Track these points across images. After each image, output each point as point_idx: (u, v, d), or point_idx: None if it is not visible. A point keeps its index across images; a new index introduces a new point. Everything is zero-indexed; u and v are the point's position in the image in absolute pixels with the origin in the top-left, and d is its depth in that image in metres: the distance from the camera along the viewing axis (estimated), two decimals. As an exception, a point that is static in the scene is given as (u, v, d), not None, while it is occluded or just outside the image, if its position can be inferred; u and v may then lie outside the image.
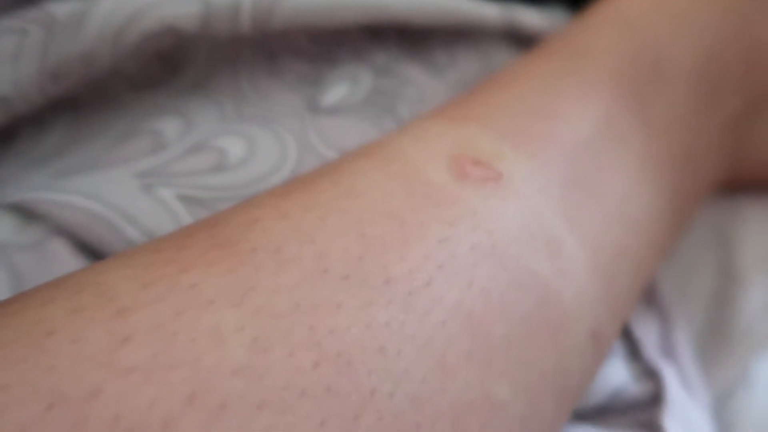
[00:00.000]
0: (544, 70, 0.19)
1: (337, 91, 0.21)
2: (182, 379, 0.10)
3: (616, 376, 0.18)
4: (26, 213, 0.19)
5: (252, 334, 0.11)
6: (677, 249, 0.23)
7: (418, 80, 0.22)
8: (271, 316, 0.12)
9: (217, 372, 0.11)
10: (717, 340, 0.20)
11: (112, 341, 0.11)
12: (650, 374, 0.18)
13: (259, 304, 0.12)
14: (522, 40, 0.25)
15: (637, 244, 0.17)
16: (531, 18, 0.24)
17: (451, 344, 0.13)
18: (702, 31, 0.21)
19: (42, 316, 0.11)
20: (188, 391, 0.10)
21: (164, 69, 0.21)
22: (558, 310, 0.14)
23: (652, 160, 0.19)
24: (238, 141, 0.20)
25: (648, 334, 0.20)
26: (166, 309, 0.11)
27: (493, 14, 0.23)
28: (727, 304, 0.21)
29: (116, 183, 0.19)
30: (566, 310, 0.15)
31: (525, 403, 0.13)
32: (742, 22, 0.22)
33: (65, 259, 0.18)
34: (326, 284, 0.12)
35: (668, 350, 0.20)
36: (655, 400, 0.17)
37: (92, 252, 0.19)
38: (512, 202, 0.15)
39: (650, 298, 0.21)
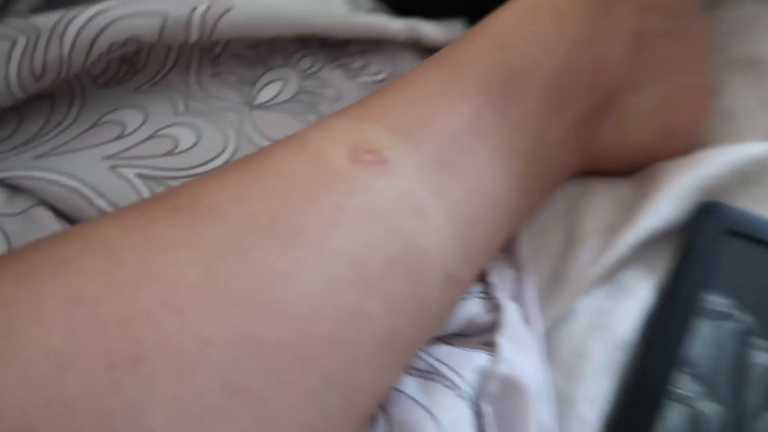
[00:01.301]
0: (430, 77, 0.25)
1: (270, 90, 0.26)
2: (155, 290, 0.16)
3: (471, 309, 0.24)
4: (13, 187, 0.23)
5: (204, 264, 0.17)
6: (536, 217, 0.29)
7: (337, 82, 0.28)
8: (216, 253, 0.17)
9: (179, 287, 0.16)
10: (554, 287, 0.27)
11: (109, 266, 0.16)
12: (496, 308, 0.24)
13: (207, 245, 0.17)
14: (425, 48, 0.30)
15: (491, 212, 0.23)
16: (431, 31, 0.30)
17: (339, 273, 0.18)
18: (556, 47, 0.26)
19: (57, 251, 0.16)
20: (160, 298, 0.16)
21: (127, 70, 0.25)
22: (419, 256, 0.20)
23: (509, 149, 0.25)
24: (187, 131, 0.25)
25: (504, 281, 0.26)
26: (143, 248, 0.16)
27: (398, 28, 0.28)
28: (566, 261, 0.27)
29: (88, 163, 0.24)
30: (425, 257, 0.20)
31: (390, 318, 0.19)
32: (589, 41, 0.27)
33: (48, 225, 0.23)
34: (253, 233, 0.18)
35: (518, 293, 0.26)
36: (496, 326, 0.24)
37: (69, 219, 0.23)
38: (393, 180, 0.21)
39: (510, 254, 0.27)
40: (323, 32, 0.26)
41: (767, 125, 0.32)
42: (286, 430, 0.16)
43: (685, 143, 0.32)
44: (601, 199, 0.30)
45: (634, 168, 0.32)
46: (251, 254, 0.17)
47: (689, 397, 0.24)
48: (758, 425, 0.23)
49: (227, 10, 0.24)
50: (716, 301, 0.26)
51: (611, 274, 0.27)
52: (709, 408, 0.24)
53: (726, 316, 0.25)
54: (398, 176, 0.21)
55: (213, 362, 0.16)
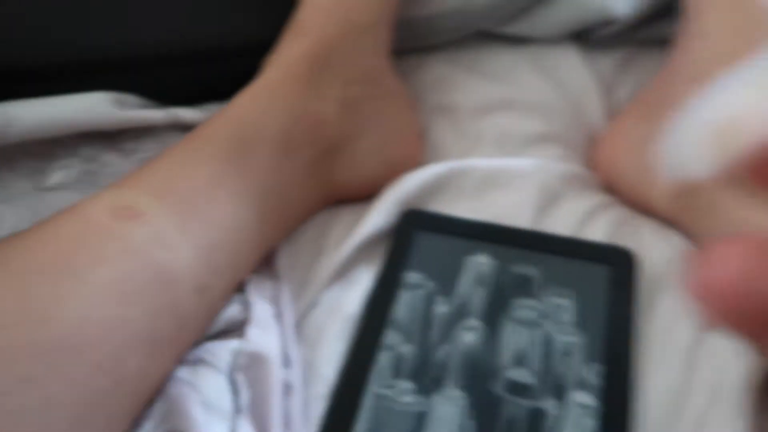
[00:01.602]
0: (180, 149, 0.34)
1: (57, 175, 0.34)
2: None
3: (231, 311, 0.33)
4: None
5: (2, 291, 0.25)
6: (295, 239, 0.39)
7: (114, 162, 0.36)
8: (12, 285, 0.25)
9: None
10: (304, 286, 0.36)
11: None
12: (248, 308, 0.33)
13: (8, 277, 0.26)
14: (190, 127, 0.40)
15: (235, 240, 0.32)
16: (190, 114, 0.39)
17: (104, 294, 0.26)
18: (277, 118, 0.36)
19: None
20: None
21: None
22: (170, 276, 0.29)
23: (249, 194, 0.34)
24: None
25: (261, 288, 0.35)
26: None
27: (159, 116, 0.37)
28: (313, 268, 0.37)
29: None
30: (176, 275, 0.29)
31: (149, 321, 0.27)
32: (304, 110, 0.38)
33: None
34: (35, 270, 0.26)
35: (275, 296, 0.35)
36: (247, 320, 0.32)
37: None
38: (145, 226, 0.29)
39: (270, 267, 0.37)
40: (93, 128, 0.35)
41: (458, 151, 0.44)
42: (66, 405, 0.24)
43: (406, 171, 0.44)
44: (345, 220, 0.40)
45: (372, 193, 0.42)
46: (35, 286, 0.25)
47: (393, 344, 0.34)
48: (438, 354, 0.33)
49: (8, 126, 0.32)
50: (412, 276, 0.36)
51: (344, 271, 0.37)
52: (406, 349, 0.34)
53: (419, 286, 0.36)
54: (149, 223, 0.30)
55: (6, 360, 0.23)
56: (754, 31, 0.37)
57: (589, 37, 0.48)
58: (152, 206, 0.31)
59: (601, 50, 0.48)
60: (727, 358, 0.34)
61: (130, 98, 0.38)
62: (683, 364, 0.34)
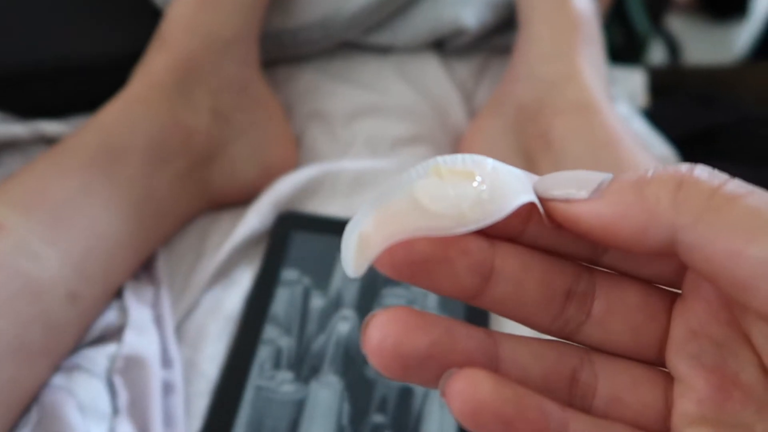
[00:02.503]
0: (45, 161, 0.34)
1: None
2: None
3: (108, 318, 0.33)
4: None
5: None
6: (174, 245, 0.40)
7: (-26, 177, 0.35)
8: None
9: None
10: (185, 289, 0.37)
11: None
12: (125, 313, 0.34)
13: None
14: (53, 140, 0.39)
15: (107, 247, 0.33)
16: (54, 127, 0.39)
17: None
18: (146, 128, 0.37)
19: None
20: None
21: None
22: (39, 285, 0.29)
23: (120, 203, 0.34)
24: None
25: (140, 294, 0.35)
26: None
27: (20, 130, 0.37)
28: (194, 271, 0.38)
29: None
30: (44, 285, 0.29)
31: (17, 331, 0.27)
32: (173, 120, 0.39)
33: None
34: None
35: (155, 301, 0.36)
36: (124, 325, 0.33)
37: None
38: (8, 238, 0.29)
39: (150, 273, 0.37)
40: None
41: (332, 155, 0.47)
42: None
43: (282, 175, 0.45)
44: (225, 224, 0.42)
45: (251, 198, 0.44)
46: None
47: (273, 338, 0.36)
48: (315, 344, 0.36)
49: None
50: (289, 273, 0.38)
51: (224, 272, 0.39)
52: (285, 342, 0.36)
53: (296, 282, 0.38)
54: (14, 234, 0.30)
55: None
56: (572, 33, 0.43)
57: (446, 46, 0.52)
58: (16, 219, 0.31)
59: (459, 59, 0.53)
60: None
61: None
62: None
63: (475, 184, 0.15)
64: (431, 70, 0.51)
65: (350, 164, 0.45)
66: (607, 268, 0.17)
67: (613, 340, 0.16)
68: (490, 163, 0.16)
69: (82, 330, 0.32)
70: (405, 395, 0.34)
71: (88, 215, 0.33)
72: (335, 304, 0.38)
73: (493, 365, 0.15)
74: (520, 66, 0.45)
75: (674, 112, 0.63)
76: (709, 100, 0.71)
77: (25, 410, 0.29)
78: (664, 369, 0.16)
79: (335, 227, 0.41)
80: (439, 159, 0.16)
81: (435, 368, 0.14)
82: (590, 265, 0.17)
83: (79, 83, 0.43)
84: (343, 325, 0.37)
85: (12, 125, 0.36)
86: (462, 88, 0.51)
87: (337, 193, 0.43)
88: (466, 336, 0.15)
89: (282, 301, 0.37)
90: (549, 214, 0.15)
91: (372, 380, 0.35)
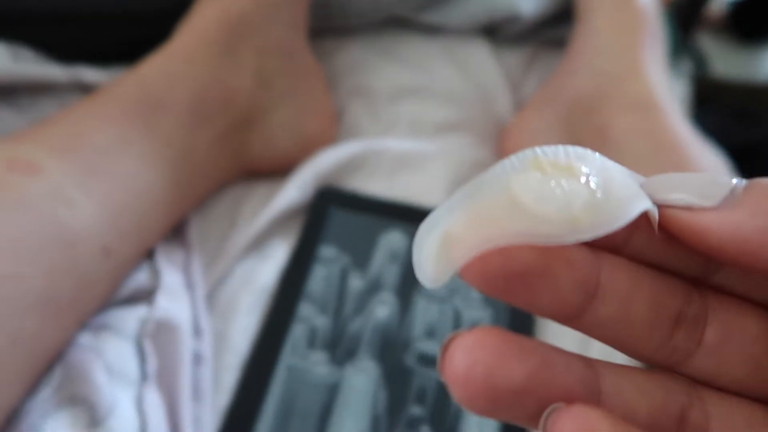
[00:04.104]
0: (82, 108, 0.32)
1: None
2: None
3: (138, 279, 0.31)
4: None
5: None
6: (207, 210, 0.38)
7: (6, 117, 0.33)
8: None
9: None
10: (217, 258, 0.35)
11: None
12: (157, 275, 0.32)
13: None
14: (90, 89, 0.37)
15: (140, 202, 0.31)
16: (94, 75, 0.37)
17: (14, 242, 0.24)
18: (186, 84, 0.35)
19: None
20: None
21: None
22: (72, 234, 0.27)
23: (156, 158, 0.32)
24: None
25: (172, 256, 0.33)
26: None
27: (58, 74, 0.35)
28: (227, 239, 0.36)
29: None
30: (78, 235, 0.27)
31: (45, 280, 0.25)
32: (215, 77, 0.37)
33: None
34: None
35: (186, 266, 0.34)
36: (155, 287, 0.31)
37: None
38: (43, 181, 0.27)
39: (180, 237, 0.35)
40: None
41: (373, 133, 0.45)
42: None
43: (320, 148, 0.43)
44: (260, 194, 0.40)
45: (286, 168, 0.42)
46: None
47: (308, 317, 0.34)
48: (352, 326, 0.34)
49: None
50: (327, 250, 0.36)
51: (258, 244, 0.36)
52: (321, 321, 0.34)
53: (334, 260, 0.36)
54: (49, 178, 0.28)
55: None
56: (636, 28, 0.41)
57: (498, 33, 0.50)
58: (52, 162, 0.28)
59: (509, 48, 0.51)
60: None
61: (26, 52, 0.35)
62: (580, 338, 0.36)
63: (584, 181, 0.13)
64: (480, 56, 0.49)
65: (394, 143, 0.43)
66: (719, 288, 0.14)
67: (727, 373, 0.14)
68: (597, 157, 0.13)
69: (113, 287, 0.30)
70: (445, 389, 0.32)
71: (124, 167, 0.31)
72: (374, 287, 0.35)
73: (595, 400, 0.13)
74: (577, 58, 0.43)
75: (711, 125, 0.61)
76: (747, 116, 0.69)
77: (48, 368, 0.27)
78: None
79: (376, 206, 0.39)
80: (538, 150, 0.13)
81: (531, 404, 0.12)
82: (701, 285, 0.14)
83: (121, 30, 0.40)
84: (381, 309, 0.35)
85: (50, 67, 0.34)
86: (510, 77, 0.49)
87: (379, 172, 0.41)
88: (566, 366, 0.12)
89: (318, 278, 0.35)
90: (663, 224, 0.13)
91: (410, 369, 0.33)
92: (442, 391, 0.32)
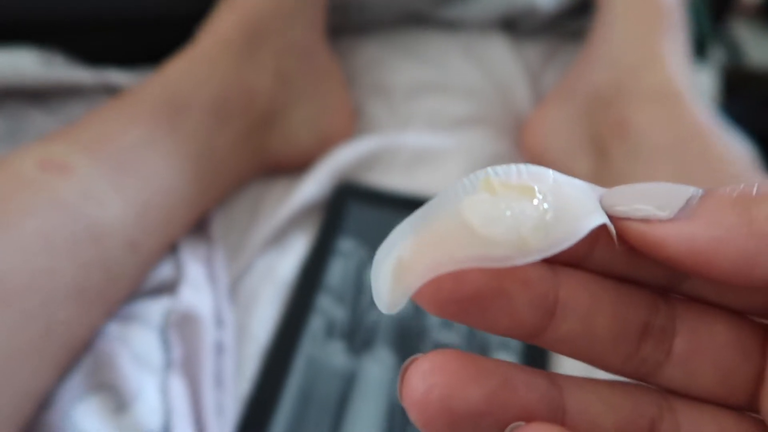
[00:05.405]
0: (111, 109, 0.33)
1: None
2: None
3: (163, 272, 0.32)
4: None
5: None
6: (229, 206, 0.39)
7: (38, 119, 0.35)
8: None
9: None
10: (239, 251, 0.36)
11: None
12: (180, 268, 0.33)
13: None
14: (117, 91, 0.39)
15: (165, 199, 0.32)
16: (120, 77, 0.38)
17: (31, 245, 0.26)
18: (208, 85, 0.36)
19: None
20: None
21: None
22: (101, 230, 0.28)
23: (180, 156, 0.34)
24: None
25: (195, 250, 0.35)
26: None
27: (86, 77, 0.36)
28: (248, 233, 0.37)
29: None
30: (106, 230, 0.28)
31: (77, 273, 0.27)
32: (237, 79, 0.38)
33: None
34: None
35: (209, 259, 0.35)
36: (179, 280, 0.32)
37: None
38: (75, 180, 0.29)
39: (203, 232, 0.36)
40: (17, 86, 0.34)
41: (391, 130, 0.45)
42: None
43: (338, 145, 0.44)
44: (279, 189, 0.41)
45: (306, 165, 0.43)
46: None
47: (326, 308, 0.35)
48: (369, 317, 0.34)
49: None
50: (345, 243, 0.37)
51: (278, 238, 0.38)
52: (339, 312, 0.35)
53: (351, 254, 0.37)
54: (79, 177, 0.29)
55: None
56: (655, 18, 0.41)
57: (516, 27, 0.50)
58: (82, 161, 0.30)
59: (528, 41, 0.51)
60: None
61: (57, 57, 0.37)
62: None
63: (535, 202, 0.12)
64: (498, 50, 0.50)
65: (411, 139, 0.43)
66: (689, 296, 0.14)
67: (697, 383, 0.14)
68: (550, 175, 0.13)
69: (139, 280, 0.31)
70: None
71: (150, 165, 0.32)
72: (391, 279, 0.36)
73: (558, 418, 0.13)
74: (597, 49, 0.43)
75: (740, 113, 0.60)
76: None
77: (78, 357, 0.28)
78: (757, 416, 0.14)
79: (394, 201, 0.40)
80: (490, 170, 0.13)
81: (490, 425, 0.12)
82: (668, 294, 0.14)
83: (147, 35, 0.42)
84: (398, 300, 0.35)
85: (79, 71, 0.36)
86: (529, 71, 0.50)
87: (397, 167, 0.42)
88: (527, 384, 0.12)
89: (337, 271, 0.36)
90: (622, 236, 0.13)
91: (426, 359, 0.33)
92: (457, 380, 0.33)
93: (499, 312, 0.12)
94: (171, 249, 0.34)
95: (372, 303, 0.35)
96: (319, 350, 0.33)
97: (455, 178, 0.42)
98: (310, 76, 0.42)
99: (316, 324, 0.34)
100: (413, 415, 0.12)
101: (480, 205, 0.12)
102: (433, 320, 0.35)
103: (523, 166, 0.13)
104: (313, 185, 0.39)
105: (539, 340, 0.13)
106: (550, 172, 0.13)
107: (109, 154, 0.31)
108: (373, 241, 0.38)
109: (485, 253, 0.12)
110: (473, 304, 0.12)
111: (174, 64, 0.37)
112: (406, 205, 0.40)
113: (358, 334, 0.34)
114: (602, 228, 0.13)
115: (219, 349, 0.31)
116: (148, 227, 0.31)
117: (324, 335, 0.34)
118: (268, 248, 0.37)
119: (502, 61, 0.49)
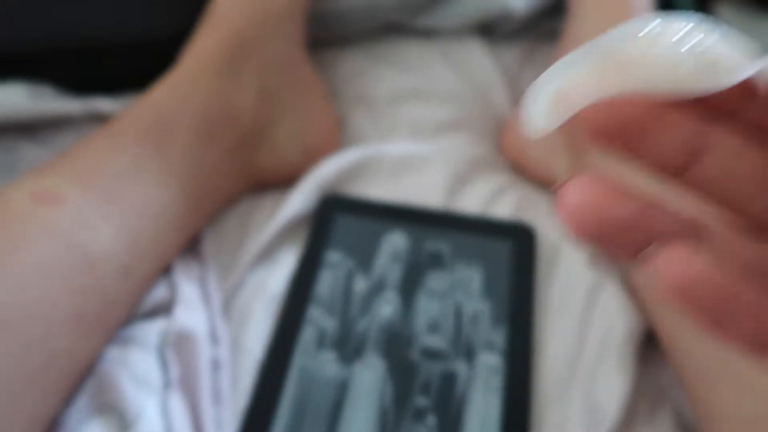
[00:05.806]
0: (99, 138, 0.35)
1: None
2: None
3: (158, 294, 0.34)
4: None
5: None
6: (220, 225, 0.40)
7: (31, 151, 0.36)
8: None
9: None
10: (230, 268, 0.37)
11: None
12: (174, 289, 0.35)
13: None
14: (106, 117, 0.40)
15: (156, 222, 0.33)
16: (107, 105, 0.39)
17: (26, 276, 0.27)
18: (193, 106, 0.38)
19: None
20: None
21: None
22: (95, 257, 0.29)
23: (169, 179, 0.35)
24: None
25: (188, 270, 0.36)
26: None
27: (75, 107, 0.38)
28: (239, 250, 0.38)
29: None
30: (100, 257, 0.30)
31: (74, 300, 0.28)
32: (221, 98, 0.39)
33: None
34: None
35: (202, 278, 0.36)
36: (173, 300, 0.34)
37: None
38: (68, 210, 0.30)
39: (195, 252, 0.38)
40: (8, 121, 0.35)
41: (375, 139, 0.47)
42: (1, 379, 0.25)
43: (325, 157, 0.45)
44: (268, 206, 0.42)
45: (293, 179, 0.44)
46: None
47: (316, 319, 0.36)
48: (358, 326, 0.36)
49: None
50: (333, 255, 0.39)
51: (268, 253, 0.39)
52: (329, 322, 0.36)
53: (339, 265, 0.38)
54: (71, 206, 0.30)
55: None
56: (625, 12, 0.42)
57: (493, 31, 0.51)
58: (73, 191, 0.31)
59: (505, 44, 0.52)
60: (614, 319, 0.38)
61: (45, 89, 0.38)
62: (577, 325, 0.38)
63: (704, 37, 0.13)
64: (476, 54, 0.51)
65: (393, 148, 0.45)
66: None
67: None
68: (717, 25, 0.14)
69: (134, 303, 0.33)
70: (448, 379, 0.34)
71: (139, 192, 0.33)
72: (378, 287, 0.38)
73: (695, 242, 0.14)
74: (567, 48, 0.44)
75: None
76: None
77: (81, 381, 0.30)
78: None
79: (379, 210, 0.41)
80: (659, 18, 0.14)
81: (635, 238, 0.13)
82: None
83: (131, 60, 0.43)
84: (385, 307, 0.37)
85: (67, 102, 0.37)
86: (507, 73, 0.51)
87: (380, 177, 0.43)
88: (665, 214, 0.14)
89: (326, 282, 0.38)
90: None
91: (415, 363, 0.35)
92: (446, 381, 0.34)
93: (646, 144, 0.14)
94: (165, 271, 0.35)
95: (361, 312, 0.36)
96: (312, 361, 0.35)
97: (438, 183, 0.43)
98: (293, 91, 0.44)
99: (307, 335, 0.35)
100: (567, 220, 0.13)
101: (660, 38, 0.13)
102: (420, 326, 0.36)
103: (690, 16, 0.14)
104: (299, 199, 0.41)
105: (684, 179, 0.14)
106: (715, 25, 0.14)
107: (99, 184, 0.32)
108: (359, 251, 0.39)
109: (662, 77, 0.13)
110: (625, 133, 0.13)
111: (159, 87, 0.38)
112: (390, 213, 0.41)
113: (348, 343, 0.35)
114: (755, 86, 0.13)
115: (215, 365, 0.33)
116: (141, 252, 0.32)
117: (315, 346, 0.35)
118: (259, 264, 0.38)
119: (480, 66, 0.50)
